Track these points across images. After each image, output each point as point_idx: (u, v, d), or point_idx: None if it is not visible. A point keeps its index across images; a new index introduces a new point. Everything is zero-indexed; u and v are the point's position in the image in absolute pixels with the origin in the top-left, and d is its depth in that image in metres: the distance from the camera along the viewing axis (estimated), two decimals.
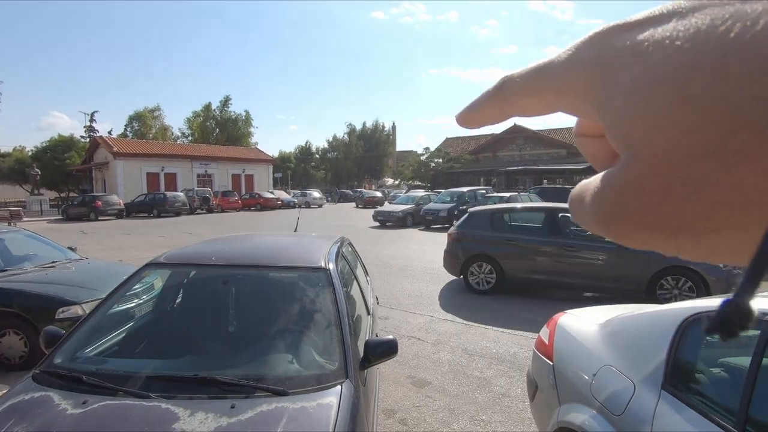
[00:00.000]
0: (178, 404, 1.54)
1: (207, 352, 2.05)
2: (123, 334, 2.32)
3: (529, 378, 2.59)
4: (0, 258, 4.93)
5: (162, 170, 32.64)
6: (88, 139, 39.82)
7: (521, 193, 17.05)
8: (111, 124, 77.13)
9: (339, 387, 1.71)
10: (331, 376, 1.79)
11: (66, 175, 38.08)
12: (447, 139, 43.97)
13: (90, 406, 1.53)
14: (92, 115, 43.11)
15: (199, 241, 2.97)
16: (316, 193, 36.89)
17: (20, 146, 47.94)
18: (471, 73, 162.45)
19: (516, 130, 35.40)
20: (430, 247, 11.98)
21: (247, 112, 53.61)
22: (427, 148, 40.62)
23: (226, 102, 53.16)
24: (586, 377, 2.00)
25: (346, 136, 58.73)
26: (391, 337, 2.07)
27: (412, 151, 65.46)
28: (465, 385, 3.80)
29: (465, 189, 19.22)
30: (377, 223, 18.55)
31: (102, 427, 1.45)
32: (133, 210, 25.17)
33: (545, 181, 29.37)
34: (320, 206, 34.93)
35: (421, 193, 22.69)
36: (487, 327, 5.33)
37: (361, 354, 2.00)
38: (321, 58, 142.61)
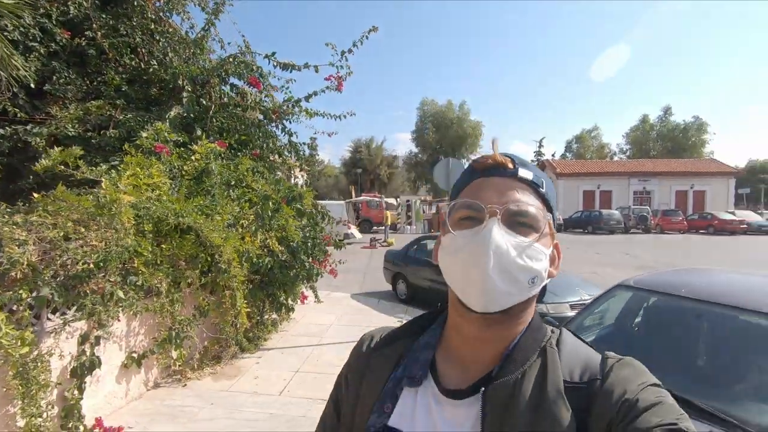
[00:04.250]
0: None
1: (675, 377, 2.20)
2: (591, 337, 2.86)
3: None
4: None
5: (598, 188, 33.49)
6: (536, 163, 46.94)
7: None
8: (555, 147, 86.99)
9: None
10: None
11: None
12: None
13: None
14: (540, 141, 50.29)
15: (668, 270, 3.12)
16: None
17: None
18: None
19: None
20: None
21: (697, 117, 45.59)
22: None
23: (667, 111, 47.73)
24: None
25: None
26: None
27: None
28: None
29: None
30: None
31: None
32: (570, 226, 27.37)
33: None
34: None
35: None
36: None
37: None
38: None
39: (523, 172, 0.64)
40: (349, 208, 21.03)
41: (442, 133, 41.07)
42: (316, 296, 5.56)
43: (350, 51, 5.73)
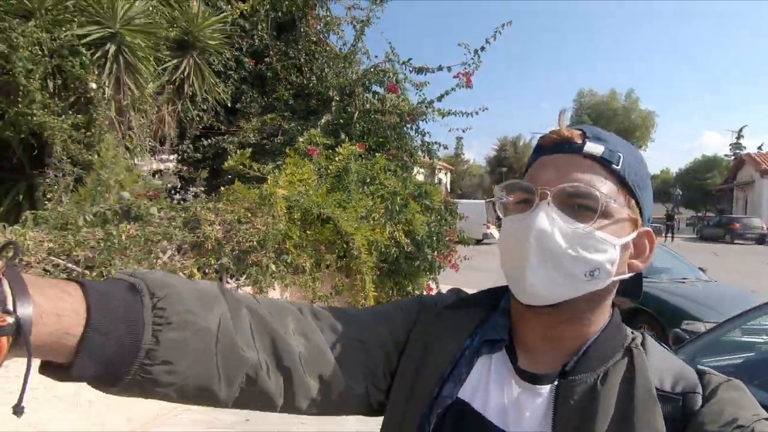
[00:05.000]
0: None
1: None
2: (739, 361, 2.45)
3: None
4: None
5: None
6: (732, 158, 38.06)
7: None
8: (762, 139, 68.49)
9: None
10: None
11: (705, 195, 38.76)
12: None
13: None
14: (740, 131, 40.56)
15: None
16: None
17: (666, 168, 53.68)
18: None
19: None
20: None
21: None
22: None
23: None
24: None
25: None
26: None
27: None
28: None
29: None
30: None
31: None
32: None
33: None
34: None
35: None
36: None
37: None
38: None
39: (590, 147, 0.55)
40: (489, 208, 20.59)
41: (603, 126, 36.26)
42: (437, 288, 5.83)
43: (482, 48, 5.80)
